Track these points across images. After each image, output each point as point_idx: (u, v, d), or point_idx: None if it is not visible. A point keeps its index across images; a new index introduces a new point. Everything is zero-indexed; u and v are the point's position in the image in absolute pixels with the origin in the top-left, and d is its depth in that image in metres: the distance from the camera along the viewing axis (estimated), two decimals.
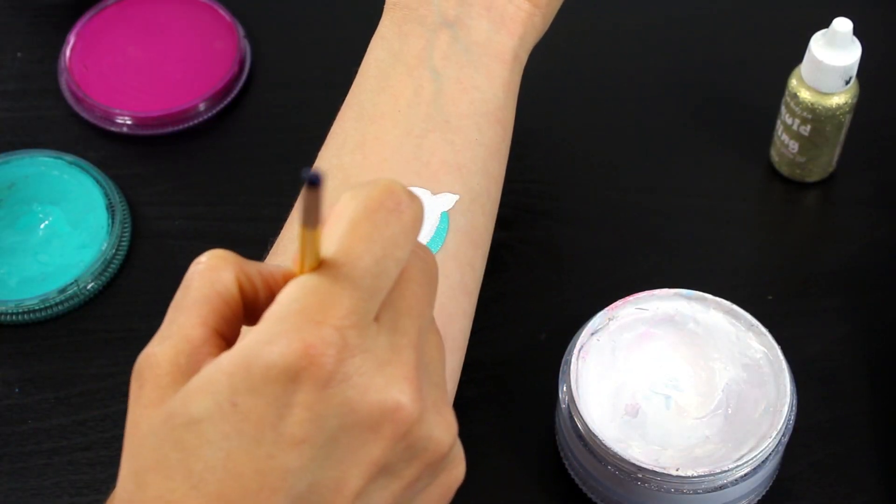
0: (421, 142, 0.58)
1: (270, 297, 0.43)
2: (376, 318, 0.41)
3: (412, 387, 0.41)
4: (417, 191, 0.56)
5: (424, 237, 0.56)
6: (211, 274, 0.42)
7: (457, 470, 0.44)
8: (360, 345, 0.40)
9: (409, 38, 0.60)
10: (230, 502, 0.39)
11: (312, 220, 0.40)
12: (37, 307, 0.69)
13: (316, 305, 0.40)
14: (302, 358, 0.39)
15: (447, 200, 0.57)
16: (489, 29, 0.60)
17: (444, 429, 0.42)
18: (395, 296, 0.42)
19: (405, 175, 0.57)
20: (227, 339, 0.42)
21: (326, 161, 0.58)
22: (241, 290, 0.43)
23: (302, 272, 0.41)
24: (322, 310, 0.40)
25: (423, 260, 0.43)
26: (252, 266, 0.43)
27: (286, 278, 0.43)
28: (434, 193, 0.57)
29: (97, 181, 0.73)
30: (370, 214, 0.41)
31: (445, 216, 0.56)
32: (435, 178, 0.57)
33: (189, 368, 0.41)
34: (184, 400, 0.40)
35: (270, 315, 0.40)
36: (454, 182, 0.57)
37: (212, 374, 0.40)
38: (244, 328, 0.43)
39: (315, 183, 0.38)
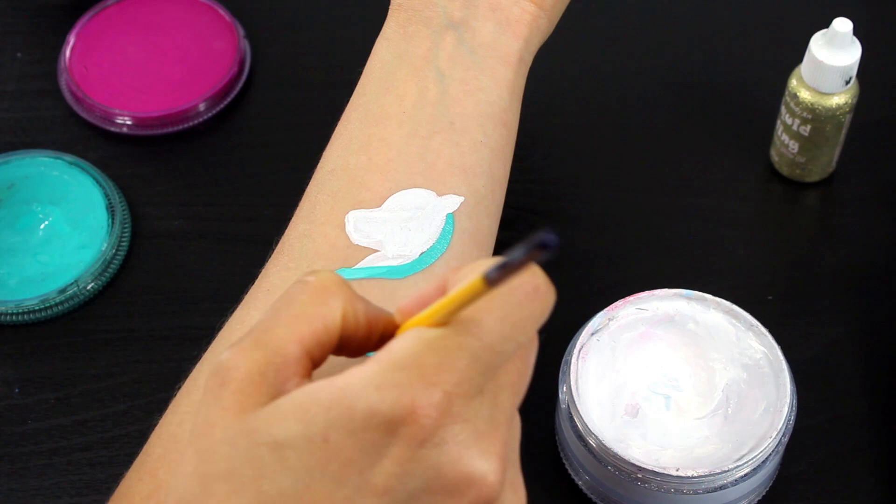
0: (426, 143, 0.58)
1: (368, 337, 0.43)
2: (481, 391, 0.41)
3: (500, 463, 0.41)
4: (423, 192, 0.57)
5: (429, 239, 0.56)
6: (321, 295, 0.42)
7: None
8: (462, 413, 0.40)
9: (414, 40, 0.60)
10: None
11: (501, 279, 0.39)
12: (37, 307, 0.69)
13: (433, 366, 0.40)
14: (407, 414, 0.39)
15: (452, 202, 0.57)
16: (494, 31, 0.60)
17: None
18: (501, 370, 0.42)
19: (410, 176, 0.57)
20: (315, 363, 0.42)
21: (331, 161, 0.58)
22: (344, 320, 0.42)
23: (426, 323, 0.41)
24: (437, 372, 0.39)
25: (532, 340, 0.43)
26: (360, 301, 0.43)
27: (388, 326, 0.43)
28: (439, 195, 0.57)
29: (97, 181, 0.73)
30: (509, 291, 0.41)
31: (451, 218, 0.56)
32: (440, 180, 0.57)
33: (275, 383, 0.41)
34: (270, 419, 0.39)
35: (384, 361, 0.40)
36: (459, 184, 0.57)
37: (307, 402, 0.39)
38: (332, 359, 0.43)
39: (549, 247, 0.38)
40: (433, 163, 0.57)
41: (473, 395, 0.40)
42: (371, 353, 0.43)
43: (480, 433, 0.40)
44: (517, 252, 0.38)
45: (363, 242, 0.55)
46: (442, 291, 0.43)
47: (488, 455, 0.40)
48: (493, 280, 0.39)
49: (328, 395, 0.39)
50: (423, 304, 0.43)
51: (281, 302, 0.42)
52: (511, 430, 0.43)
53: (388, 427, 0.39)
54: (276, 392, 0.40)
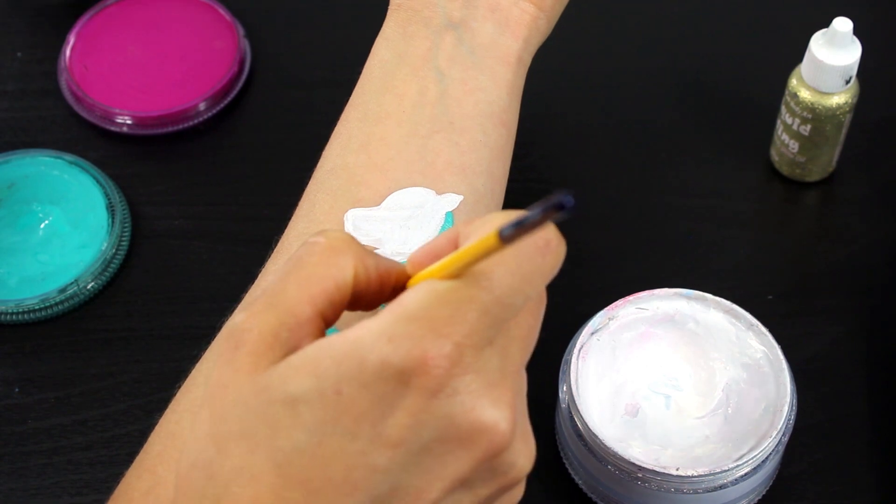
0: (426, 142, 0.58)
1: (380, 291, 0.43)
2: (491, 342, 0.41)
3: (511, 412, 0.41)
4: (422, 191, 0.57)
5: (428, 237, 0.56)
6: (330, 255, 0.43)
7: (519, 492, 0.44)
8: (473, 364, 0.40)
9: (413, 40, 0.60)
10: (311, 489, 0.39)
11: (515, 237, 0.39)
12: (37, 307, 0.69)
13: (443, 317, 0.40)
14: (419, 365, 0.39)
15: (451, 201, 0.57)
16: (494, 31, 0.60)
17: (526, 457, 0.43)
18: (511, 322, 0.42)
19: (410, 175, 0.57)
20: (328, 322, 0.42)
21: (331, 161, 0.58)
22: (355, 277, 0.43)
23: (437, 276, 0.41)
24: (448, 323, 0.40)
25: (541, 294, 0.43)
26: (370, 257, 0.43)
27: (401, 277, 0.43)
28: (438, 193, 0.57)
29: (97, 181, 0.73)
30: (520, 244, 0.41)
31: (450, 216, 0.56)
32: (440, 179, 0.57)
33: (288, 343, 0.41)
34: (283, 376, 0.40)
35: (396, 313, 0.40)
36: (459, 183, 0.57)
37: (318, 356, 0.40)
38: (346, 314, 0.43)
39: (566, 208, 0.38)
40: (432, 162, 0.57)
41: (483, 346, 0.40)
42: (384, 305, 0.44)
43: (491, 383, 0.41)
44: (534, 211, 0.38)
45: (362, 241, 0.55)
46: (454, 243, 0.43)
47: (500, 404, 0.41)
48: (507, 237, 0.39)
49: (339, 348, 0.40)
50: (435, 255, 0.43)
51: (291, 264, 0.42)
52: (521, 382, 0.43)
53: (400, 378, 0.39)
54: (289, 352, 0.41)
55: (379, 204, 0.56)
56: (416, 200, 0.56)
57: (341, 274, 0.42)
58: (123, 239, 0.72)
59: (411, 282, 0.44)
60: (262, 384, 0.40)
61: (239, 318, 0.41)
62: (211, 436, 0.40)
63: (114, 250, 0.71)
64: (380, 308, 0.44)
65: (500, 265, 0.41)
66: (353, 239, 0.43)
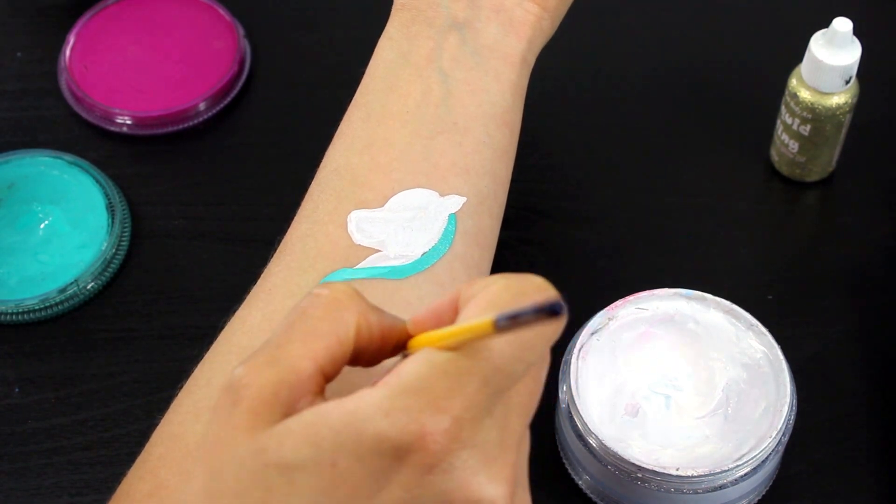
0: (430, 143, 0.58)
1: (382, 347, 0.43)
2: (490, 413, 0.41)
3: (509, 487, 0.41)
4: (425, 192, 0.57)
5: (432, 239, 0.56)
6: (334, 309, 0.42)
7: None
8: (470, 439, 0.40)
9: (417, 40, 0.60)
10: None
11: (510, 328, 0.39)
12: (37, 307, 0.69)
13: (442, 390, 0.39)
14: (416, 440, 0.39)
15: (455, 202, 0.57)
16: (498, 32, 0.60)
17: None
18: (511, 391, 0.41)
19: (413, 176, 0.57)
20: (328, 378, 0.42)
21: (334, 161, 0.58)
22: (358, 334, 0.42)
23: (436, 344, 0.41)
24: (447, 397, 0.39)
25: (543, 356, 0.43)
26: (374, 313, 0.43)
27: (402, 335, 0.43)
28: (442, 195, 0.57)
29: (97, 181, 0.73)
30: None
31: (453, 218, 0.56)
32: (443, 180, 0.57)
33: (288, 401, 0.40)
34: (280, 441, 0.39)
35: (393, 386, 0.40)
36: (462, 184, 0.57)
37: (317, 424, 0.39)
38: (347, 368, 0.43)
39: (557, 314, 0.38)
40: (436, 163, 0.57)
41: (482, 418, 0.40)
42: (388, 360, 0.43)
43: (489, 458, 0.40)
44: (528, 309, 0.38)
45: (365, 242, 0.55)
46: (455, 304, 0.42)
47: (497, 480, 0.40)
48: (502, 328, 0.39)
49: (337, 418, 0.39)
50: (437, 316, 0.43)
51: (294, 316, 0.42)
52: (520, 451, 0.42)
53: (397, 453, 0.39)
54: (288, 410, 0.40)
55: (382, 205, 0.56)
56: (419, 202, 0.56)
57: (344, 329, 0.42)
58: (123, 239, 0.72)
59: (412, 343, 0.43)
60: (259, 446, 0.39)
61: (239, 372, 0.41)
62: (206, 492, 0.40)
63: (114, 250, 0.71)
64: (382, 364, 0.44)
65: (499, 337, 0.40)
66: (357, 293, 0.43)
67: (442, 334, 0.41)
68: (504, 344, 0.40)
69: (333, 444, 0.39)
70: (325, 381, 0.41)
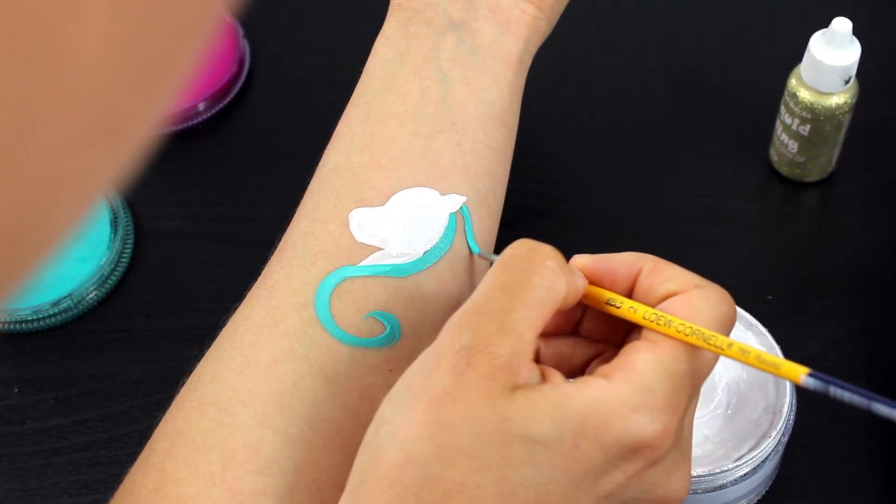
0: (429, 142, 0.58)
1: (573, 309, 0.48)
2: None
3: (689, 484, 0.46)
4: (426, 191, 0.57)
5: (433, 237, 0.56)
6: (553, 278, 0.45)
7: None
8: (679, 438, 0.45)
9: (415, 40, 0.60)
10: None
11: (819, 390, 0.46)
12: (29, 318, 0.69)
13: (672, 392, 0.44)
14: (655, 437, 0.43)
15: (455, 201, 0.57)
16: (495, 32, 0.60)
17: None
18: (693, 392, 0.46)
19: (414, 175, 0.57)
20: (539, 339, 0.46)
21: (334, 159, 0.58)
22: (565, 301, 0.46)
23: (668, 333, 0.45)
24: (677, 399, 0.44)
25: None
26: (576, 280, 0.46)
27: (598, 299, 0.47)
28: (442, 194, 0.57)
29: (104, 194, 0.73)
30: (726, 331, 0.46)
31: (453, 217, 0.57)
32: (443, 179, 0.57)
33: (517, 368, 0.43)
34: (525, 413, 0.42)
35: (634, 382, 0.43)
36: (462, 183, 0.57)
37: (564, 406, 0.42)
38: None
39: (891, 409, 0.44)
40: (436, 162, 0.57)
41: (686, 419, 0.45)
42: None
43: (685, 456, 0.46)
44: (876, 398, 0.45)
45: (367, 240, 0.55)
46: (632, 274, 0.47)
47: (686, 478, 0.46)
48: (810, 385, 0.46)
49: (584, 404, 0.43)
50: (610, 275, 0.47)
51: (512, 279, 0.45)
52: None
53: (636, 447, 0.43)
54: (515, 378, 0.43)
55: (383, 204, 0.56)
56: (420, 201, 0.56)
57: (557, 299, 0.45)
58: (124, 255, 0.71)
59: (600, 301, 0.47)
60: (502, 414, 0.42)
61: (469, 337, 0.43)
62: (433, 440, 0.42)
63: (112, 266, 0.70)
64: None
65: (709, 346, 0.45)
66: (563, 258, 0.46)
67: (686, 332, 0.45)
68: (711, 358, 0.45)
69: (580, 427, 0.42)
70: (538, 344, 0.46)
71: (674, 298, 0.46)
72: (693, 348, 0.45)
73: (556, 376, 0.45)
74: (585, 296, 0.48)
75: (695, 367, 0.45)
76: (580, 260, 0.48)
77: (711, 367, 0.46)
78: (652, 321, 0.45)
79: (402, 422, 0.43)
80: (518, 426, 0.42)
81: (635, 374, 0.43)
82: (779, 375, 0.46)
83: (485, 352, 0.43)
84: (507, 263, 0.45)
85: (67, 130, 0.25)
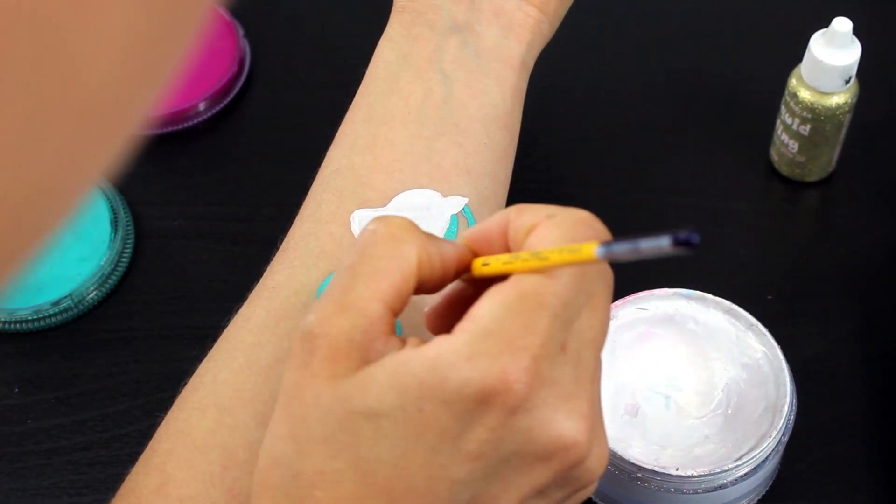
0: (432, 144, 0.58)
1: (444, 275, 0.44)
2: (563, 348, 0.42)
3: (588, 424, 0.42)
4: (428, 192, 0.57)
5: None
6: (394, 245, 0.43)
7: (591, 489, 0.45)
8: (549, 376, 0.41)
9: (418, 42, 0.60)
10: (393, 497, 0.41)
11: (617, 258, 0.41)
12: (29, 317, 0.69)
13: (518, 329, 0.41)
14: (499, 382, 0.40)
15: (457, 203, 0.57)
16: (498, 35, 0.60)
17: (600, 462, 0.43)
18: (582, 325, 0.43)
19: (416, 176, 0.57)
20: (395, 313, 0.43)
21: (336, 161, 0.58)
22: (420, 266, 0.43)
23: (513, 268, 0.42)
24: (523, 335, 0.41)
25: (608, 286, 0.44)
26: (433, 243, 0.44)
27: (463, 259, 0.44)
28: (444, 196, 0.57)
29: (105, 193, 0.72)
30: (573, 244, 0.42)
31: (455, 219, 0.57)
32: (446, 181, 0.57)
33: (362, 344, 0.42)
34: (364, 388, 0.41)
35: (471, 330, 0.41)
36: (464, 185, 0.58)
37: (401, 373, 0.41)
38: (416, 299, 0.44)
39: (691, 245, 0.40)
40: (438, 164, 0.58)
41: (556, 354, 0.41)
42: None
43: (567, 394, 0.42)
44: (661, 239, 0.40)
45: None
46: (503, 230, 0.44)
47: (575, 416, 0.42)
48: (602, 257, 0.41)
49: (420, 365, 0.40)
50: (486, 239, 0.44)
51: (356, 258, 0.43)
52: (594, 386, 0.44)
53: (482, 396, 0.40)
54: (365, 354, 0.41)
55: (385, 205, 0.56)
56: (422, 202, 0.57)
57: (407, 265, 0.43)
58: (124, 256, 0.71)
59: (478, 267, 0.44)
60: (343, 393, 0.41)
61: (311, 321, 0.42)
62: (291, 437, 0.41)
63: (112, 266, 0.70)
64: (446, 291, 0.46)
65: (558, 266, 0.42)
66: (413, 225, 0.44)
67: (522, 259, 0.42)
68: (568, 276, 0.41)
69: (419, 390, 0.40)
70: (394, 318, 0.43)
71: (530, 236, 0.43)
72: (542, 277, 0.41)
73: (412, 343, 0.42)
74: (474, 269, 0.45)
75: (548, 295, 0.41)
76: (464, 235, 0.46)
77: (572, 287, 0.41)
78: (504, 263, 0.43)
79: (271, 425, 0.43)
80: (359, 403, 0.40)
81: (473, 322, 0.41)
82: (582, 260, 0.41)
83: (323, 334, 0.41)
84: (355, 244, 0.44)
85: (68, 125, 0.26)
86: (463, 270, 0.45)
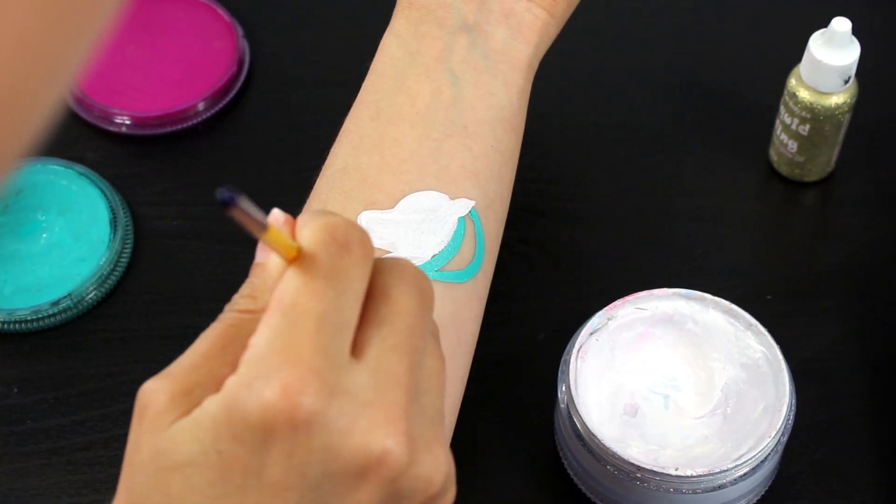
0: (440, 146, 0.57)
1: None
2: (360, 356, 0.40)
3: (398, 429, 0.39)
4: (436, 195, 0.57)
5: (442, 241, 0.56)
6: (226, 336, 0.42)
7: (448, 496, 0.42)
8: (339, 385, 0.39)
9: (426, 40, 0.59)
10: None
11: (256, 227, 0.40)
12: (28, 318, 0.69)
13: (287, 344, 0.39)
14: (281, 400, 0.38)
15: (464, 206, 0.57)
16: (507, 36, 0.60)
17: (434, 468, 0.41)
18: (384, 331, 0.40)
19: (424, 178, 0.57)
20: (234, 364, 0.41)
21: (342, 159, 0.58)
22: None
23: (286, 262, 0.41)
24: (294, 348, 0.39)
25: (419, 290, 0.42)
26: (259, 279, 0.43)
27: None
28: (451, 198, 0.57)
29: (104, 194, 0.72)
30: (322, 250, 0.40)
31: (462, 221, 0.56)
32: (454, 183, 0.57)
33: (185, 405, 0.40)
34: (171, 441, 0.40)
35: (246, 359, 0.39)
36: (472, 188, 0.57)
37: (200, 418, 0.39)
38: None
39: (230, 204, 0.39)
40: (446, 166, 0.57)
41: (340, 364, 0.39)
42: None
43: (366, 402, 0.39)
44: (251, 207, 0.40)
45: (375, 243, 0.55)
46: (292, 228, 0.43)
47: (380, 424, 0.39)
48: (257, 233, 0.41)
49: (213, 405, 0.39)
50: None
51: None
52: (423, 385, 0.41)
53: (267, 422, 0.38)
54: (177, 408, 0.40)
55: (392, 207, 0.56)
56: (429, 204, 0.56)
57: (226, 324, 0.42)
58: (123, 256, 0.71)
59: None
60: (155, 450, 0.40)
61: (144, 386, 0.41)
62: (128, 494, 0.41)
63: (112, 266, 0.70)
64: None
65: (313, 269, 0.40)
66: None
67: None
68: (319, 281, 0.40)
69: (214, 432, 0.39)
70: (229, 370, 0.40)
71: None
72: (298, 287, 0.40)
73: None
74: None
75: (305, 302, 0.39)
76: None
77: (328, 287, 0.39)
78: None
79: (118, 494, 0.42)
80: (167, 458, 0.39)
81: (248, 351, 0.39)
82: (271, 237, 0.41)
83: (154, 389, 0.40)
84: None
85: None
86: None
